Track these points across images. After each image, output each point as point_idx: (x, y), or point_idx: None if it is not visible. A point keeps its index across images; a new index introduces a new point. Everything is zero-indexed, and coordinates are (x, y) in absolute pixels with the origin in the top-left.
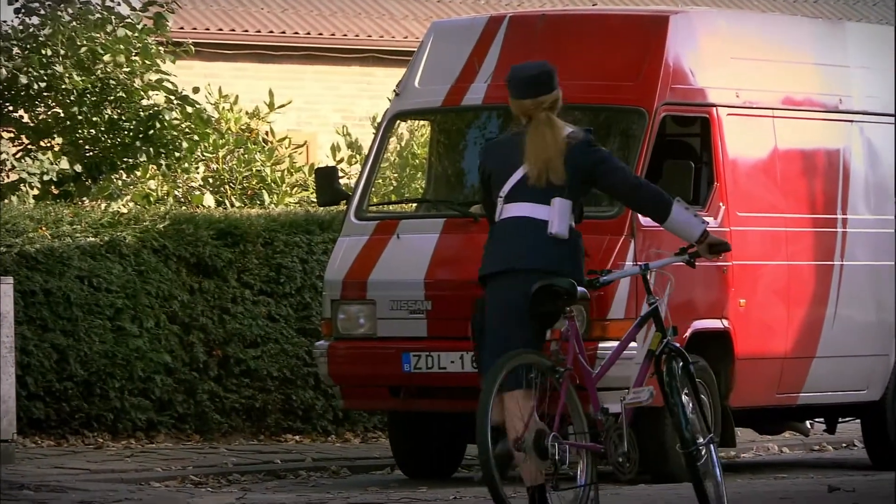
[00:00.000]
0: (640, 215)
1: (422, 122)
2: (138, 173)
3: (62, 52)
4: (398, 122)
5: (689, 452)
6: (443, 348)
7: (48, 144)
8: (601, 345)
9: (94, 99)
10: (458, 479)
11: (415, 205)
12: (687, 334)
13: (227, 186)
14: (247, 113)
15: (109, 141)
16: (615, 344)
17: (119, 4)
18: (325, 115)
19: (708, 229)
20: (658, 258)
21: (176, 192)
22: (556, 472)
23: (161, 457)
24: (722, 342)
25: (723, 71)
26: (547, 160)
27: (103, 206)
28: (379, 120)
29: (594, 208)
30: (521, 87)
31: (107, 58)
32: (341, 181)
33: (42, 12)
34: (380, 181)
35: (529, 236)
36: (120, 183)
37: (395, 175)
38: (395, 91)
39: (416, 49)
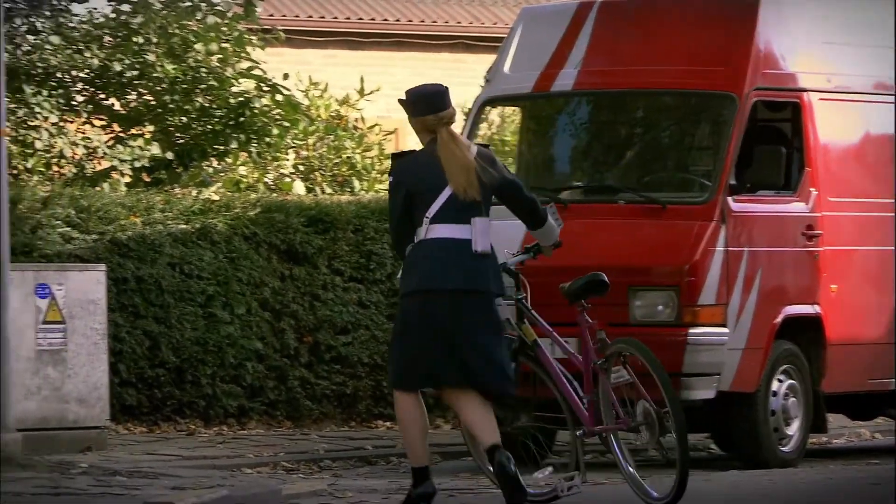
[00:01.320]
0: (731, 201)
1: (512, 109)
2: (229, 160)
3: (154, 40)
4: (488, 108)
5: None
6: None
7: (139, 132)
8: (691, 331)
9: (185, 87)
10: (548, 465)
11: None
12: (779, 320)
13: (317, 173)
14: (337, 100)
15: (200, 128)
16: (706, 329)
17: None
18: None
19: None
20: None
21: (266, 179)
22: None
23: (252, 443)
24: (814, 328)
25: (814, 55)
26: (467, 176)
27: (194, 193)
28: (469, 106)
29: (683, 194)
30: (422, 105)
31: (198, 46)
32: None
33: (134, 0)
34: None
35: (457, 256)
36: (211, 170)
37: None
38: (485, 77)
39: (505, 35)
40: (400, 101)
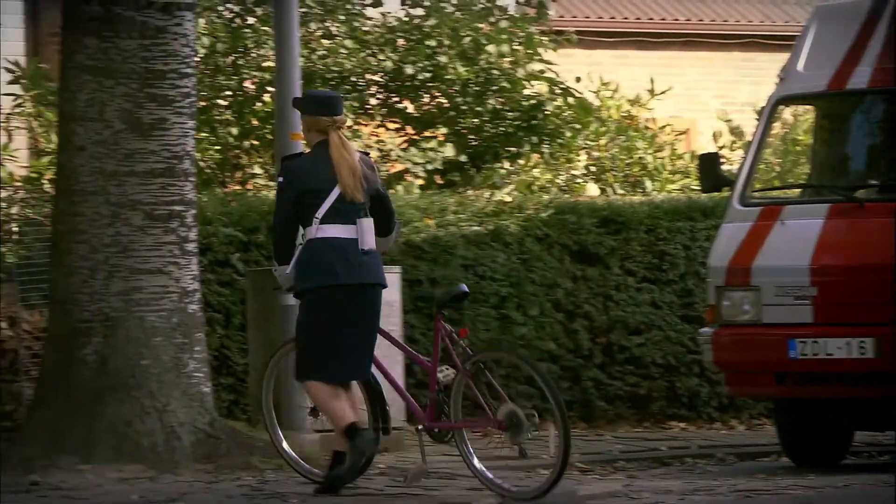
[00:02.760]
0: None
1: (804, 107)
2: (521, 162)
3: (446, 42)
4: (781, 107)
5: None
6: (830, 334)
7: (432, 135)
8: None
9: (477, 89)
10: (846, 465)
11: (799, 190)
12: None
13: (609, 174)
14: (628, 100)
15: (493, 130)
16: None
17: None
18: (705, 102)
19: None
20: None
21: (558, 181)
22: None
23: (547, 444)
24: None
25: None
26: (354, 179)
27: (487, 195)
28: (761, 105)
29: None
30: (322, 106)
31: (489, 48)
32: (723, 167)
33: (427, 3)
34: (762, 167)
35: (349, 254)
36: (503, 172)
37: (778, 161)
38: (778, 76)
39: (797, 34)
40: (296, 99)
